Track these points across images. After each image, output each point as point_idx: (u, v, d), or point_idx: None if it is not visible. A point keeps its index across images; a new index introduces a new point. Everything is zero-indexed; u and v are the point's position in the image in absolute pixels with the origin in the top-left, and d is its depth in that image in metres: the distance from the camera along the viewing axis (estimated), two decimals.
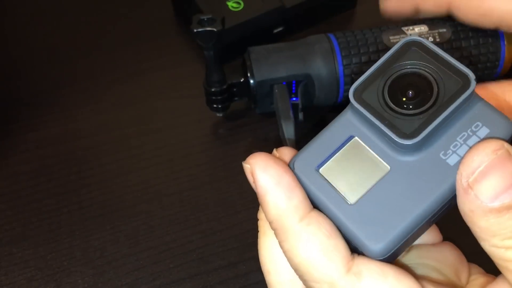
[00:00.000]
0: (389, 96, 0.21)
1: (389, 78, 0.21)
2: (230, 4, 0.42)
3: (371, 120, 0.20)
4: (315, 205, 0.21)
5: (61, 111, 0.41)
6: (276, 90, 0.35)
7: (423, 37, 0.22)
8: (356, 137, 0.21)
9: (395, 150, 0.20)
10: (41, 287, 0.33)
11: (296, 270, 0.20)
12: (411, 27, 0.36)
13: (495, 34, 0.36)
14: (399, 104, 0.20)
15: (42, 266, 0.33)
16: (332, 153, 0.21)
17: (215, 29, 0.33)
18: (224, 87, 0.36)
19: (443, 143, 0.20)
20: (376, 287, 0.19)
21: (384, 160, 0.21)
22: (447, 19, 0.36)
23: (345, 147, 0.21)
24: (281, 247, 0.21)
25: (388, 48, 0.34)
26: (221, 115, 0.39)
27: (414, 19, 0.36)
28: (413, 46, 0.21)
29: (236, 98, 0.38)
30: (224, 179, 0.37)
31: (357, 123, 0.21)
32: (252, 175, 0.21)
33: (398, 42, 0.32)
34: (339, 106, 0.38)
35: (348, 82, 0.36)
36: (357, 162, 0.21)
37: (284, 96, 0.35)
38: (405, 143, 0.20)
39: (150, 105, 0.41)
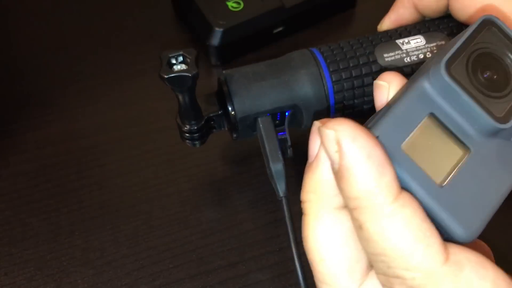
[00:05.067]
0: (473, 75, 0.20)
1: (470, 56, 0.20)
2: (230, 4, 0.42)
3: (462, 98, 0.19)
4: None
5: (61, 111, 0.41)
6: (261, 125, 0.31)
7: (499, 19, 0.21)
8: (435, 114, 0.20)
9: (476, 130, 0.20)
10: (41, 287, 0.33)
11: (381, 255, 0.18)
12: (406, 40, 0.33)
13: None
14: (483, 84, 0.20)
15: (42, 266, 0.33)
16: (412, 130, 0.20)
17: (189, 74, 0.27)
18: (201, 123, 0.32)
19: None
20: (478, 280, 0.18)
21: (465, 141, 0.20)
22: (445, 27, 0.34)
23: (422, 123, 0.20)
24: (363, 228, 0.19)
25: (385, 69, 0.32)
26: (198, 146, 0.34)
27: (409, 29, 0.34)
28: (490, 25, 0.20)
29: (214, 130, 0.34)
30: (224, 179, 0.37)
31: (438, 98, 0.20)
32: (338, 144, 0.19)
33: (397, 58, 0.31)
34: None
35: (339, 108, 0.33)
36: (436, 141, 0.20)
37: (271, 133, 0.31)
38: (500, 126, 0.19)
39: (150, 105, 0.41)
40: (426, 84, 0.20)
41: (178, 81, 0.28)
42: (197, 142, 0.33)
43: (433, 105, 0.20)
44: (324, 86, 0.32)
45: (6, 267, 0.33)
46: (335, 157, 0.19)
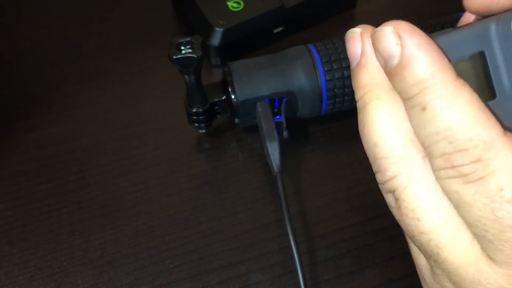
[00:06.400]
0: None
1: None
2: (230, 4, 0.42)
3: None
4: None
5: (61, 111, 0.41)
6: (259, 109, 0.35)
7: None
8: (485, 53, 0.21)
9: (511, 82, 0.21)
10: (41, 287, 0.33)
11: (445, 130, 0.20)
12: None
13: None
14: None
15: (42, 266, 0.33)
16: (458, 56, 0.21)
17: (195, 56, 0.31)
18: (206, 106, 0.36)
19: None
20: None
21: (496, 87, 0.21)
22: (428, 30, 0.36)
23: (469, 56, 0.21)
24: (427, 108, 0.20)
25: None
26: (203, 131, 0.38)
27: None
28: None
29: (218, 115, 0.38)
30: (224, 179, 0.37)
31: (495, 42, 0.21)
32: (399, 36, 0.20)
33: None
34: (323, 117, 0.38)
35: (331, 96, 0.36)
36: (471, 75, 0.21)
37: (268, 115, 0.35)
38: None
39: (150, 105, 0.41)
40: (492, 26, 0.21)
41: (185, 61, 0.32)
42: (203, 125, 0.37)
43: (487, 46, 0.21)
44: (317, 75, 0.35)
45: (6, 267, 0.33)
46: (396, 50, 0.20)
